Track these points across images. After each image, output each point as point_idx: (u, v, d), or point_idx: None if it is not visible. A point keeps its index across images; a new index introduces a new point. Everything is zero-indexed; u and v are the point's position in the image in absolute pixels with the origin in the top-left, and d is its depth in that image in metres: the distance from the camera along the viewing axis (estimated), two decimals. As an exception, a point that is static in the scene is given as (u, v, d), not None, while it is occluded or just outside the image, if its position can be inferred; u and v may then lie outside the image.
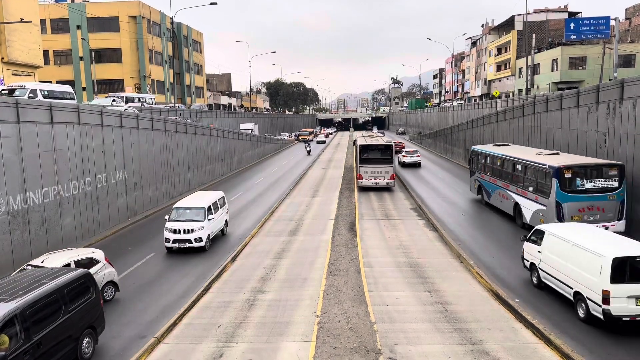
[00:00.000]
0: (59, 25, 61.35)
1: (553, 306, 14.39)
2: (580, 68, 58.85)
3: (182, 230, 20.57)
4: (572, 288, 13.62)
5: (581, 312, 13.28)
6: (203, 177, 40.16)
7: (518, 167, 24.01)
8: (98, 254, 16.18)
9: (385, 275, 17.46)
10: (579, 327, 13.05)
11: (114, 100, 35.47)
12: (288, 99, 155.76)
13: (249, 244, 22.30)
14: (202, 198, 22.69)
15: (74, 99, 28.50)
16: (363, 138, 41.27)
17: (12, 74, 37.92)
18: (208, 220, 21.17)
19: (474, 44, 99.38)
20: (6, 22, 35.46)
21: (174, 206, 22.04)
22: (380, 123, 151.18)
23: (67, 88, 29.22)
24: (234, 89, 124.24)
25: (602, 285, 12.28)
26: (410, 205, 29.97)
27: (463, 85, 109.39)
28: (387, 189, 35.02)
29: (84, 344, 11.76)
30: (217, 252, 20.94)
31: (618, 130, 21.36)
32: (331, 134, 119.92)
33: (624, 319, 12.13)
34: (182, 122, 36.93)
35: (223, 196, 24.23)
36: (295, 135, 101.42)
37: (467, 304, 14.71)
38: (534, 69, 63.95)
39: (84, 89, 61.00)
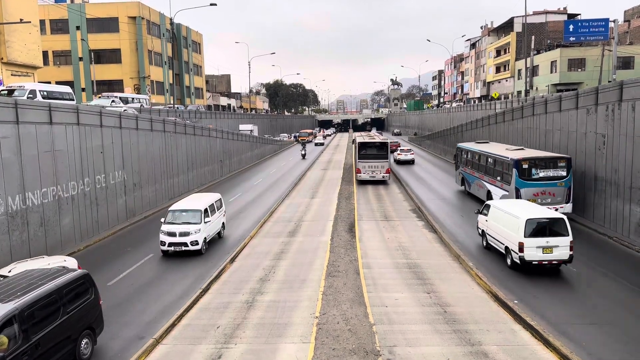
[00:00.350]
0: (59, 26, 61.36)
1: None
2: (579, 70, 58.93)
3: (178, 233, 20.13)
4: (503, 244, 18.30)
5: (508, 261, 17.95)
6: (202, 178, 40.14)
7: (490, 160, 28.07)
8: (70, 262, 15.98)
9: (384, 277, 17.46)
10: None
11: (113, 101, 35.34)
12: (287, 100, 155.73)
13: (248, 245, 22.28)
14: (199, 200, 22.21)
15: (73, 100, 28.50)
16: (361, 137, 44.50)
17: (12, 75, 37.91)
18: (204, 223, 20.70)
19: (473, 45, 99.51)
20: (6, 23, 35.46)
21: (169, 208, 21.49)
22: (379, 124, 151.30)
23: (67, 89, 29.21)
24: (233, 89, 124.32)
25: (519, 239, 16.87)
26: (409, 207, 29.98)
27: (462, 86, 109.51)
28: (383, 182, 35.39)
29: (82, 345, 11.75)
30: (213, 256, 20.59)
31: (617, 131, 21.39)
32: (330, 135, 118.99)
33: (533, 263, 16.80)
34: (182, 123, 36.93)
35: (220, 198, 23.78)
36: (294, 137, 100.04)
37: (466, 306, 14.71)
38: (533, 70, 64.03)
39: (83, 89, 61.02)
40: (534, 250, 16.61)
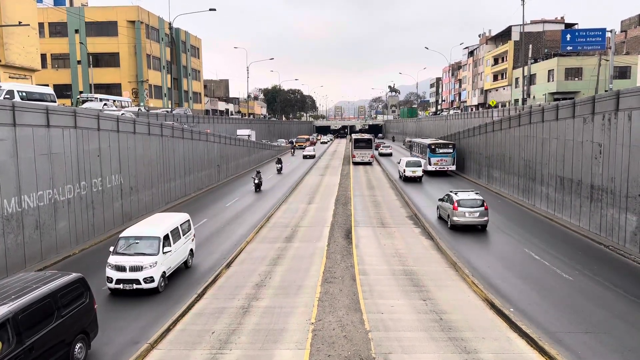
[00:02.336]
0: (57, 29, 61.38)
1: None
2: (576, 79, 59.24)
3: (128, 268, 16.13)
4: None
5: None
6: (199, 183, 40.09)
7: (420, 145, 52.30)
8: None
9: (380, 283, 17.43)
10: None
11: (105, 104, 34.83)
12: (285, 105, 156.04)
13: (244, 250, 22.23)
14: (159, 224, 18.05)
15: (55, 102, 28.16)
16: (356, 135, 70.15)
17: (10, 77, 37.85)
18: (163, 253, 16.82)
19: (471, 53, 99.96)
20: (4, 25, 35.46)
21: (121, 235, 17.40)
22: (377, 131, 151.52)
23: (48, 90, 28.75)
24: (231, 94, 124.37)
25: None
26: (406, 214, 29.99)
27: (460, 94, 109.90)
28: (380, 192, 35.43)
29: (76, 350, 11.67)
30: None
31: (613, 141, 21.49)
32: (326, 142, 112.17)
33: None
34: (179, 127, 36.91)
35: (188, 220, 19.90)
36: (290, 142, 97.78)
37: (462, 313, 14.70)
38: (531, 79, 64.33)
39: (81, 92, 60.98)
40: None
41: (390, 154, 72.62)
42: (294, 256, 21.12)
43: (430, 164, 46.14)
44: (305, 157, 70.29)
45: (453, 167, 46.29)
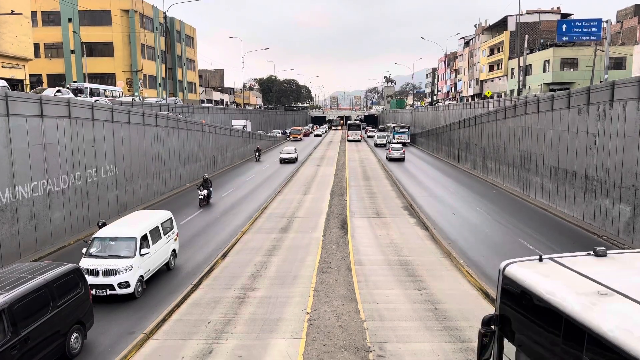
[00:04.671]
0: (50, 18, 60.80)
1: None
2: (571, 69, 59.26)
3: (101, 272, 14.75)
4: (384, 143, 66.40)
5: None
6: (194, 173, 40.00)
7: (389, 128, 79.80)
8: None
9: (375, 273, 17.51)
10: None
11: (58, 91, 30.78)
12: (281, 95, 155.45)
13: (239, 240, 22.25)
14: (136, 224, 16.65)
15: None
16: (350, 120, 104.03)
17: (2, 67, 37.53)
18: (141, 256, 15.41)
19: (467, 43, 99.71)
20: (-4, 14, 35.09)
21: (94, 235, 16.11)
22: (372, 121, 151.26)
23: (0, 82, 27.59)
24: (226, 85, 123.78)
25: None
26: (401, 204, 30.07)
27: (455, 84, 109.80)
28: (374, 181, 35.52)
29: (72, 340, 11.69)
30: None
31: (608, 131, 21.56)
32: (320, 135, 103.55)
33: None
34: (174, 117, 36.74)
35: (170, 218, 18.51)
36: (284, 133, 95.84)
37: (457, 303, 14.80)
38: (526, 69, 64.29)
39: (74, 82, 60.52)
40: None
41: (373, 136, 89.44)
42: (289, 246, 21.16)
43: (394, 138, 70.59)
44: (283, 160, 52.39)
45: (407, 140, 72.04)
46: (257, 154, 55.88)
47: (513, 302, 6.51)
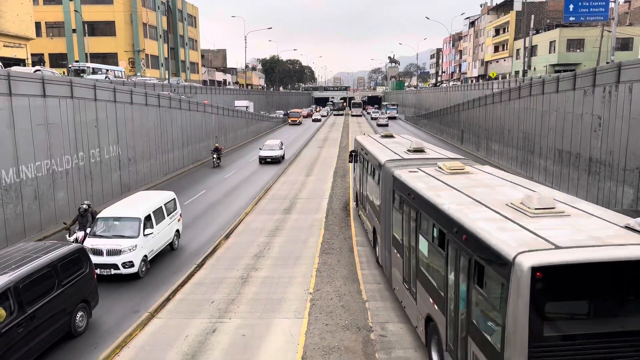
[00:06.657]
0: (51, -4, 60.18)
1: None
2: (577, 50, 58.61)
3: (105, 252, 14.92)
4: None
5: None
6: (197, 154, 40.01)
7: (385, 107, 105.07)
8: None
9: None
10: None
11: (37, 71, 30.37)
12: (284, 76, 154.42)
13: (242, 221, 22.35)
14: (139, 204, 16.75)
15: None
16: (353, 99, 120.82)
17: (4, 46, 37.31)
18: (144, 236, 15.62)
19: (472, 24, 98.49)
20: (-3, -8, 34.77)
21: (98, 215, 16.39)
22: (376, 102, 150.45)
23: None
24: (229, 65, 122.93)
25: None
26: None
27: (460, 65, 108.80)
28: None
29: (77, 318, 11.84)
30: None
31: (613, 113, 21.40)
32: (319, 120, 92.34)
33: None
34: (177, 98, 36.60)
35: (173, 198, 18.53)
36: (284, 115, 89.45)
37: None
38: (532, 50, 63.58)
39: (76, 61, 60.22)
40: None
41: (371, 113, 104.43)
42: (292, 227, 21.25)
43: (385, 113, 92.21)
44: (263, 160, 39.39)
45: (396, 115, 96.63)
46: (214, 155, 37.77)
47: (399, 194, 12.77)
